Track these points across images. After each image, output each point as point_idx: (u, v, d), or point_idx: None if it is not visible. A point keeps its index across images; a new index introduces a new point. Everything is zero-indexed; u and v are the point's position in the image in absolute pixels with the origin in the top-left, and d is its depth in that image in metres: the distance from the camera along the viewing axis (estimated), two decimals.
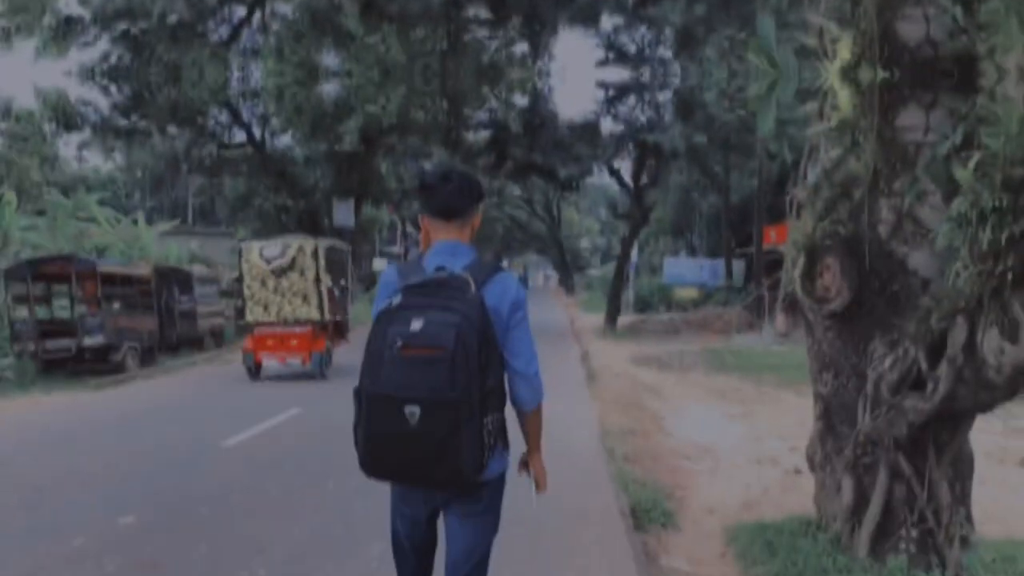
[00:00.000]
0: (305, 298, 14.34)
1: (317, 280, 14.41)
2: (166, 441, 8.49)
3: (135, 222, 37.78)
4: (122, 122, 28.05)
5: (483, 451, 2.43)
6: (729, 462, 8.12)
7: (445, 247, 2.64)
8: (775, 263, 32.04)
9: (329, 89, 26.54)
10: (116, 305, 15.88)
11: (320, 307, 14.45)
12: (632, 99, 31.05)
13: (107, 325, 14.51)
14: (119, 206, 50.47)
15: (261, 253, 14.53)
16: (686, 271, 39.71)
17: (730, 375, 15.65)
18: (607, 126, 34.26)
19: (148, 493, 6.31)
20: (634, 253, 40.54)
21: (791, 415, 10.90)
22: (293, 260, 14.39)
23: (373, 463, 2.48)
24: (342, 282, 15.82)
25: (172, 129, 31.02)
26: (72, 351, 14.26)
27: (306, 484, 6.33)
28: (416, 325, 2.34)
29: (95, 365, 14.48)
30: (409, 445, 2.37)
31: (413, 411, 2.31)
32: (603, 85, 30.76)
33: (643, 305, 40.99)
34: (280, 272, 14.30)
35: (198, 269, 22.61)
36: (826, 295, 5.05)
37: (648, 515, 5.75)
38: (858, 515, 4.71)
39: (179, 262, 33.52)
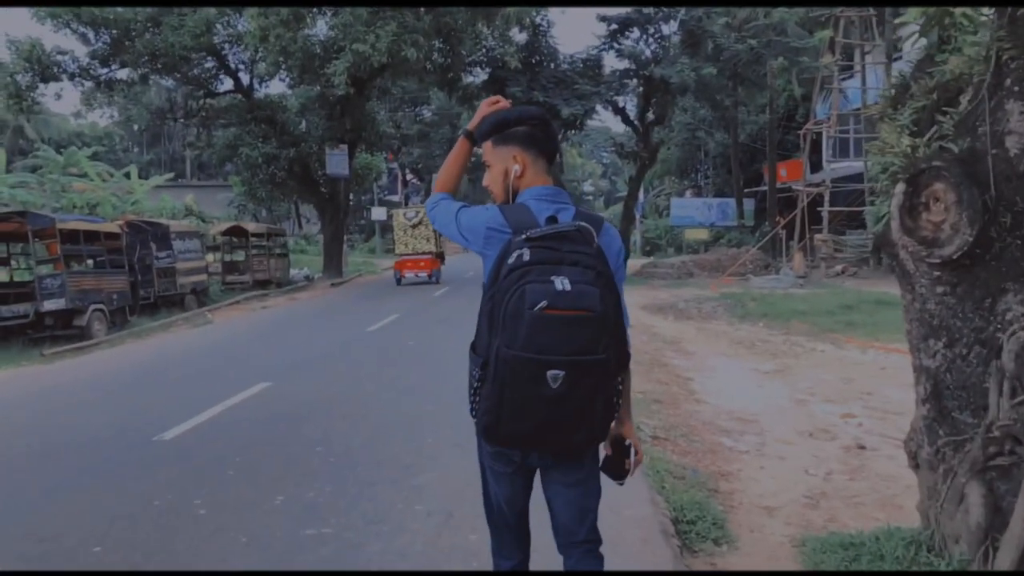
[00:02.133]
0: (428, 240, 26.65)
1: (434, 230, 23.22)
2: (89, 432, 6.92)
3: (127, 176, 36.69)
4: (102, 71, 26.42)
5: (613, 411, 2.38)
6: (776, 436, 6.87)
7: (548, 192, 2.49)
8: (788, 201, 31.05)
9: (316, 29, 25.10)
10: (82, 264, 14.51)
11: (436, 245, 26.85)
12: (636, 32, 29.53)
13: (69, 287, 13.19)
14: (115, 161, 49.40)
15: (404, 215, 27.39)
16: (694, 211, 38.44)
17: (755, 323, 14.38)
18: (611, 61, 32.92)
19: (32, 520, 4.72)
20: (640, 194, 39.20)
21: (832, 371, 9.78)
22: (422, 218, 26.25)
23: (503, 430, 2.29)
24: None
25: (155, 77, 29.58)
26: (30, 316, 12.95)
27: (248, 498, 4.90)
28: (560, 284, 2.18)
29: (57, 331, 13.18)
30: (549, 410, 2.22)
31: (556, 375, 2.16)
32: (605, 19, 29.20)
33: (652, 248, 39.89)
34: (415, 225, 26.60)
35: (177, 223, 21.19)
36: (936, 235, 3.67)
37: (695, 528, 4.48)
38: (993, 535, 3.43)
39: (173, 215, 32.50)
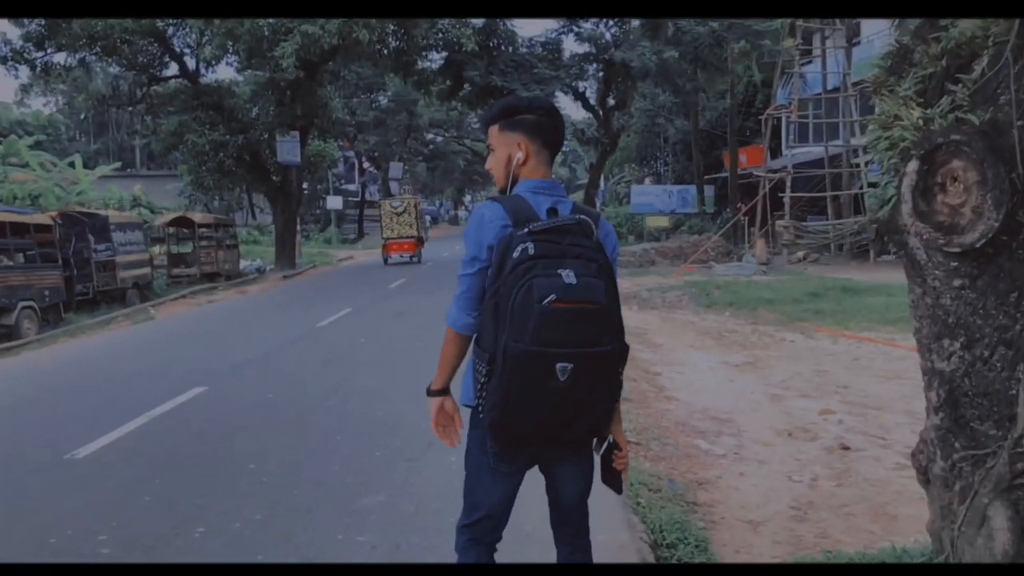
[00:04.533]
0: (410, 226, 30.48)
1: (416, 217, 31.02)
2: None
3: (72, 165, 35.34)
4: (36, 55, 25.14)
5: (614, 404, 2.45)
6: (753, 437, 6.42)
7: (545, 185, 2.50)
8: (748, 187, 30.84)
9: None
10: (8, 259, 13.59)
11: (417, 230, 30.95)
12: None
13: None
14: (61, 150, 47.71)
15: (391, 204, 31.48)
16: (654, 199, 38.00)
17: (721, 312, 14.00)
18: (570, 45, 32.51)
19: None
20: (600, 181, 38.80)
21: (804, 362, 9.41)
22: (406, 207, 30.86)
23: (511, 426, 2.30)
24: (422, 218, 34.22)
25: (97, 63, 28.35)
26: None
27: (162, 531, 4.22)
28: (568, 278, 2.20)
29: None
30: (556, 403, 2.24)
31: (565, 367, 2.17)
32: None
33: None
34: (400, 213, 30.40)
35: (117, 214, 20.19)
36: (954, 220, 3.15)
37: (676, 554, 3.96)
38: (1021, 563, 2.97)
39: (120, 206, 31.32)
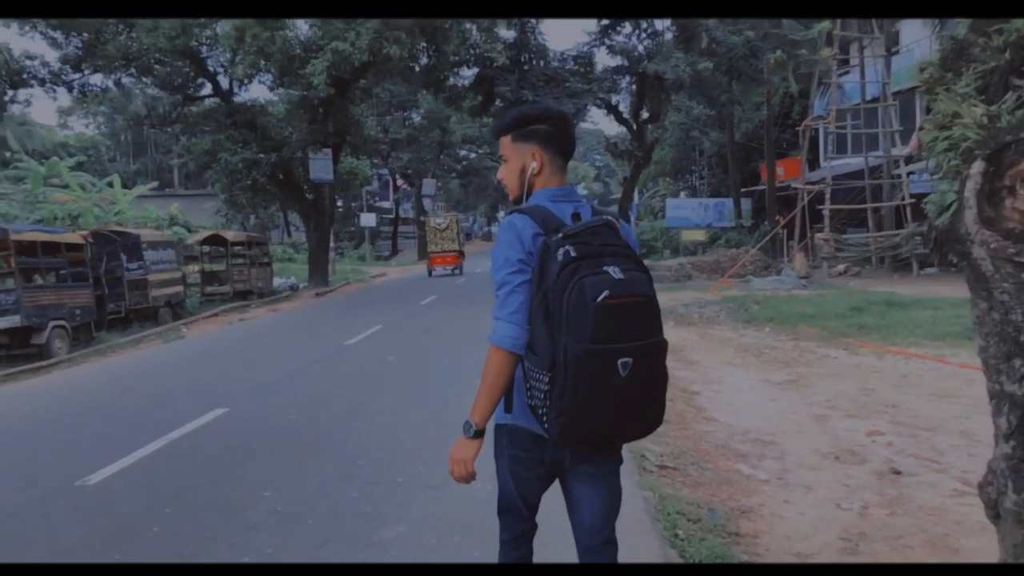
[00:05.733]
0: (453, 241, 34.06)
1: (457, 233, 34.30)
2: (3, 474, 6.07)
3: (110, 185, 35.81)
4: (74, 76, 25.53)
5: (665, 394, 2.42)
6: (798, 460, 6.06)
7: (562, 193, 2.53)
8: (786, 200, 30.32)
9: (295, 29, 24.25)
10: (40, 278, 13.61)
11: (458, 244, 34.44)
12: (628, 27, 28.73)
13: (24, 302, 12.29)
14: (101, 171, 48.50)
15: (434, 221, 34.82)
16: (690, 212, 37.56)
17: (760, 328, 13.57)
18: (602, 58, 32.35)
19: None
20: (635, 196, 38.48)
21: (849, 380, 9.00)
22: (449, 224, 34.21)
23: (577, 430, 2.25)
24: (462, 234, 35.94)
25: (136, 85, 28.69)
26: None
27: (174, 560, 4.03)
28: (616, 273, 2.24)
29: (14, 350, 12.32)
30: (619, 400, 2.24)
31: (627, 362, 2.21)
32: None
33: (647, 250, 39.12)
34: (443, 229, 33.99)
35: (149, 232, 20.25)
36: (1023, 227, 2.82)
37: None
38: None
39: (158, 225, 31.65)
